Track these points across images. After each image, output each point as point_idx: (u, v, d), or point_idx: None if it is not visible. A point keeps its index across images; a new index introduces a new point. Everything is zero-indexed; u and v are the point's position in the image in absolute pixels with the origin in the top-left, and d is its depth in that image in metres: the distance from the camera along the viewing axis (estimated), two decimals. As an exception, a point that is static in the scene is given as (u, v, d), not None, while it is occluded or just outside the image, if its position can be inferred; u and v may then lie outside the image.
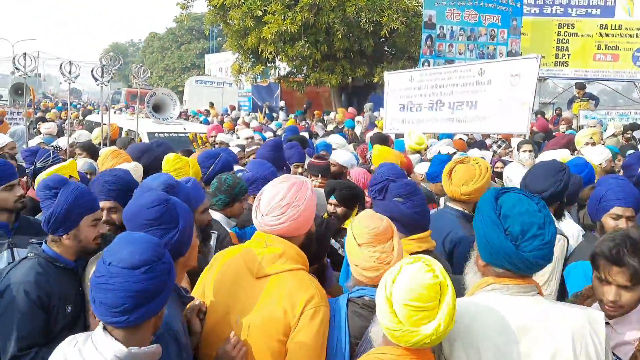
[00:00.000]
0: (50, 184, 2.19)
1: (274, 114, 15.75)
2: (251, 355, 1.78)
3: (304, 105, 15.85)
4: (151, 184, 2.31)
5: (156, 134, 8.04)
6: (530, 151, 5.66)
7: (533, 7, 13.40)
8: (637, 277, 1.77)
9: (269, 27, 12.10)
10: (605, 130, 8.77)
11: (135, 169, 3.52)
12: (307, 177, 4.21)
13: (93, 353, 1.40)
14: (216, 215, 3.12)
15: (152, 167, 3.87)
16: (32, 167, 4.09)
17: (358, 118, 11.59)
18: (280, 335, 1.75)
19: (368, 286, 1.88)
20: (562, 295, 2.58)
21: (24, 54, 6.04)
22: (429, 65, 11.36)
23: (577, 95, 12.32)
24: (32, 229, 2.71)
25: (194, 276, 2.08)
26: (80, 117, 14.56)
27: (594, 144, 5.55)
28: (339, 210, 3.34)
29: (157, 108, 9.17)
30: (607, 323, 1.76)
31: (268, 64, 14.73)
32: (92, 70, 6.74)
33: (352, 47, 12.99)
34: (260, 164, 3.80)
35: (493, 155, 6.55)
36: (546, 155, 4.52)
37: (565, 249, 2.67)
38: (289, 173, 4.70)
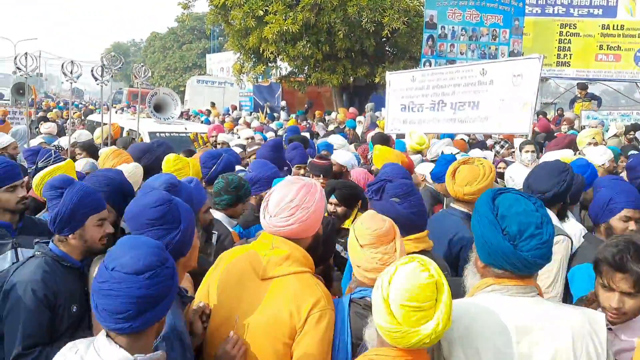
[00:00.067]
0: (56, 183, 2.19)
1: (275, 114, 15.75)
2: (255, 357, 1.77)
3: (305, 105, 15.85)
4: (153, 183, 2.30)
5: (157, 134, 8.04)
6: (532, 152, 5.65)
7: (535, 7, 13.39)
8: None
9: (270, 27, 12.09)
10: (607, 131, 8.77)
11: (135, 170, 3.51)
12: (309, 177, 4.20)
13: None
14: (217, 214, 3.13)
15: (153, 167, 3.86)
16: (34, 166, 4.08)
17: (359, 118, 11.58)
18: (285, 338, 1.75)
19: (370, 287, 1.87)
20: (565, 298, 2.56)
21: (25, 53, 6.03)
22: (430, 65, 11.35)
23: (579, 95, 12.32)
24: (36, 229, 2.71)
25: (198, 276, 2.07)
26: (82, 117, 14.58)
27: (596, 144, 5.54)
28: (339, 209, 3.34)
29: (159, 108, 9.18)
30: (610, 329, 1.75)
31: (269, 64, 14.71)
32: (92, 70, 6.74)
33: (353, 47, 12.98)
34: (263, 164, 3.80)
35: (495, 156, 6.55)
36: (550, 156, 4.50)
37: (570, 250, 2.65)
38: (290, 173, 4.70)
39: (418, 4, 12.97)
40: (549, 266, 2.47)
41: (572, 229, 2.95)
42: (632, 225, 2.50)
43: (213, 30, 30.91)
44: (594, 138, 5.66)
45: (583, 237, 2.85)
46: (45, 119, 11.25)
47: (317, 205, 1.87)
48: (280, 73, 15.79)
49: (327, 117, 13.52)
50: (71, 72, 6.23)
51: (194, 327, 1.84)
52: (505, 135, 7.38)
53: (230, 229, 3.15)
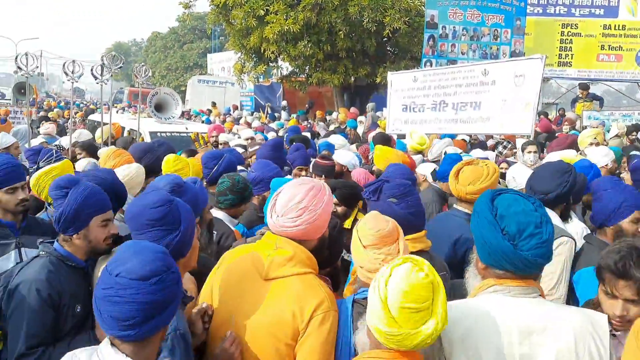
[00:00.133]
0: (62, 183, 2.19)
1: (276, 114, 15.74)
2: (257, 357, 1.76)
3: (306, 105, 15.83)
4: (158, 184, 2.31)
5: (158, 134, 8.04)
6: (534, 152, 5.64)
7: (536, 7, 13.37)
8: None
9: (271, 27, 12.09)
10: (608, 131, 8.75)
11: (138, 171, 3.50)
12: (311, 177, 4.20)
13: None
14: (218, 213, 3.14)
15: (154, 167, 3.86)
16: (35, 166, 4.07)
17: (360, 118, 11.57)
18: (287, 339, 1.74)
19: (373, 288, 1.86)
20: (570, 302, 2.53)
21: (27, 53, 6.03)
22: (431, 65, 11.34)
23: (581, 95, 12.30)
24: (39, 229, 2.71)
25: (201, 276, 2.07)
26: (84, 117, 14.57)
27: (597, 144, 5.52)
28: (339, 209, 3.35)
29: (160, 107, 9.18)
30: (613, 335, 1.73)
31: (270, 64, 14.71)
32: (91, 69, 6.73)
33: (354, 46, 12.97)
34: (266, 164, 3.81)
35: (498, 156, 6.53)
36: (553, 156, 4.49)
37: (573, 251, 2.64)
38: (290, 173, 4.71)
39: (419, 3, 12.95)
40: (553, 267, 2.47)
41: (574, 228, 2.94)
42: None
43: (214, 30, 30.92)
44: (595, 138, 5.64)
45: (584, 237, 2.80)
46: (47, 119, 11.25)
47: (325, 208, 1.86)
48: (281, 73, 15.78)
49: (328, 117, 13.50)
50: (72, 72, 6.23)
51: (195, 328, 1.84)
52: (506, 136, 7.37)
53: (232, 228, 3.17)
